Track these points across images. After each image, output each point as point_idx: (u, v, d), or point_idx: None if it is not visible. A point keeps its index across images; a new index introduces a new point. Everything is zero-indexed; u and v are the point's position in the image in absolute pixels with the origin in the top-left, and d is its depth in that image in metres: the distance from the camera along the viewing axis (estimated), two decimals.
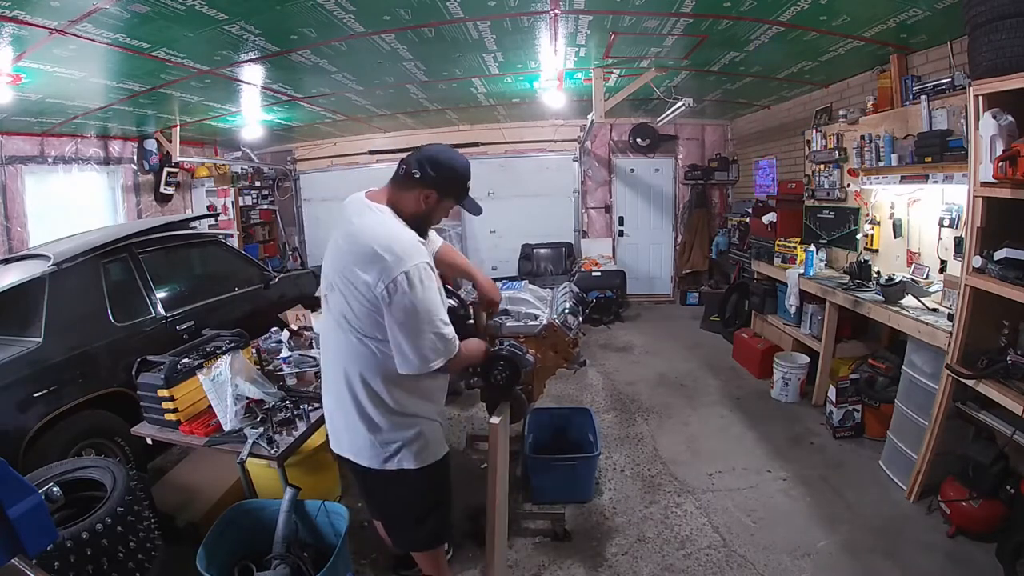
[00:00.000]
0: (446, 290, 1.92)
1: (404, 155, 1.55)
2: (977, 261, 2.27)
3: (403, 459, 1.60)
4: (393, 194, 1.54)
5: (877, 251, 3.76)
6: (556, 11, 2.98)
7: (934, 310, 2.86)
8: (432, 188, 1.51)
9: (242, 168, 7.23)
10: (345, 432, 1.63)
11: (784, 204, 5.03)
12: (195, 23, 2.78)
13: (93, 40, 2.87)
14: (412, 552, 1.91)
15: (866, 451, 3.15)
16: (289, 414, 2.23)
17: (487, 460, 2.00)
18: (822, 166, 4.28)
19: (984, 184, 2.22)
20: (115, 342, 2.84)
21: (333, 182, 7.70)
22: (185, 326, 3.20)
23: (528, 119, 6.80)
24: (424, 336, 1.44)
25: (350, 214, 1.54)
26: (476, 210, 1.63)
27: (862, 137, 3.64)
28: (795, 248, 4.27)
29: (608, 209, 7.31)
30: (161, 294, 3.20)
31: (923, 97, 3.07)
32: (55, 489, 1.53)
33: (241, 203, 7.17)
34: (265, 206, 7.72)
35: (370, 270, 1.40)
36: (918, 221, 3.37)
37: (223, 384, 2.17)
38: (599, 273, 6.43)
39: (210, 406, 2.19)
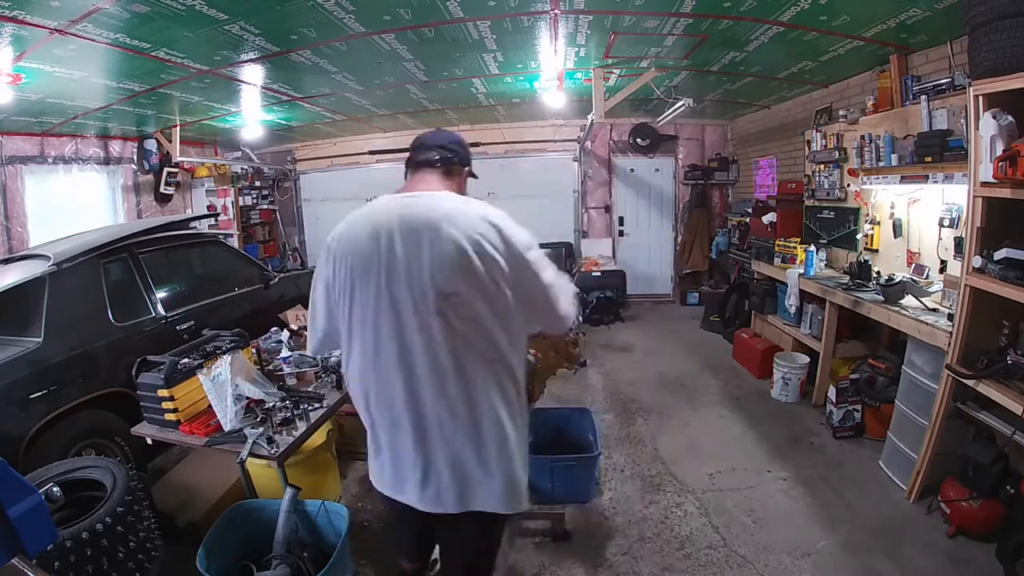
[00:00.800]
0: None
1: (420, 152, 1.41)
2: (977, 261, 2.27)
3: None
4: (444, 183, 1.39)
5: (877, 251, 3.76)
6: (556, 11, 2.98)
7: (934, 310, 2.86)
8: (467, 164, 1.48)
9: (242, 168, 7.23)
10: (479, 479, 1.26)
11: (784, 204, 5.03)
12: (195, 23, 2.78)
13: (93, 40, 2.87)
14: None
15: (866, 451, 3.15)
16: (289, 414, 2.23)
17: None
18: (822, 166, 4.28)
19: (984, 184, 2.22)
20: (115, 342, 2.84)
21: (333, 182, 7.71)
22: (185, 326, 3.20)
23: (528, 119, 6.80)
24: (563, 283, 1.34)
25: (431, 209, 1.24)
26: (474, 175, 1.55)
27: (862, 137, 3.64)
28: (795, 248, 4.27)
29: (608, 209, 7.31)
30: (161, 294, 3.20)
31: (923, 97, 3.07)
32: (55, 489, 1.53)
33: (241, 203, 7.18)
34: (265, 206, 7.73)
35: (494, 242, 1.19)
36: (918, 221, 3.37)
37: (223, 384, 2.17)
38: (599, 273, 6.43)
39: (210, 406, 2.19)
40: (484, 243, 1.18)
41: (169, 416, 2.21)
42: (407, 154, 1.45)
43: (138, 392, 2.27)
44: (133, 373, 2.30)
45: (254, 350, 2.72)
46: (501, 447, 1.26)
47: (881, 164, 3.45)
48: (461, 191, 1.43)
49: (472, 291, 1.18)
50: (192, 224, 4.20)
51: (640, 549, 2.42)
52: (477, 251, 1.17)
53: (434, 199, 1.28)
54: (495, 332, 1.22)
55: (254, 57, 3.45)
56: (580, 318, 2.45)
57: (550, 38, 3.42)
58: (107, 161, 5.97)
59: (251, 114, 5.21)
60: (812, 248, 4.05)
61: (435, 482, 1.27)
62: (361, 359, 1.28)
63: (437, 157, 1.39)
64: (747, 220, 5.76)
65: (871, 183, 3.64)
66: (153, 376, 2.22)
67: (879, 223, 3.72)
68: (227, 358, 2.27)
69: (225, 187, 7.02)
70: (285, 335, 2.93)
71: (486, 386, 1.23)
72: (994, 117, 2.12)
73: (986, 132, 2.14)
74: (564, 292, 1.34)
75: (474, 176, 1.53)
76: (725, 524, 2.56)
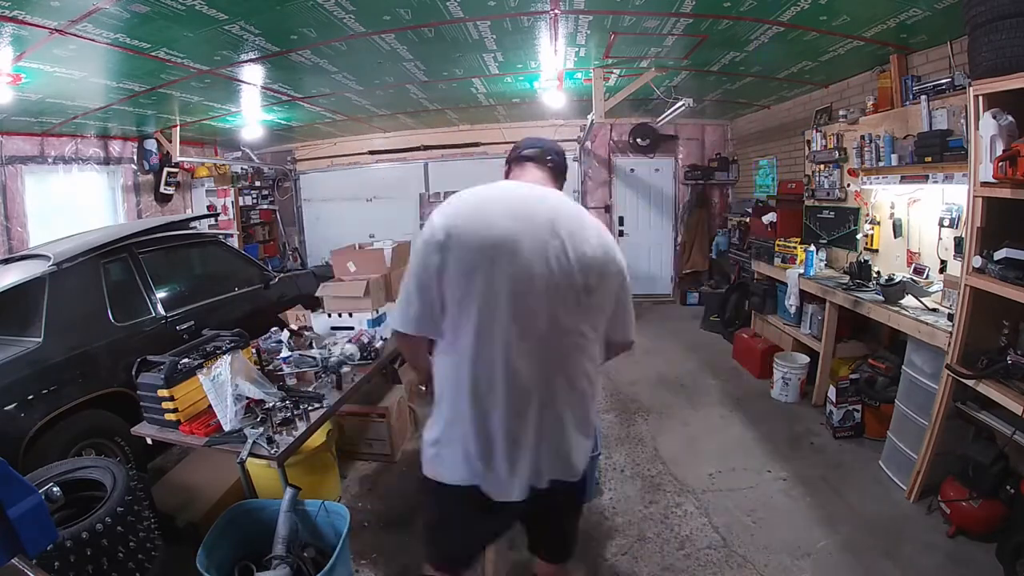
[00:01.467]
0: None
1: (532, 150, 1.49)
2: (977, 261, 2.27)
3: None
4: (554, 184, 1.49)
5: (877, 251, 3.76)
6: (556, 11, 2.98)
7: (934, 310, 2.86)
8: (564, 172, 1.55)
9: (242, 168, 7.23)
10: (574, 451, 1.35)
11: (784, 204, 5.04)
12: (195, 23, 2.78)
13: (93, 40, 2.87)
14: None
15: (866, 451, 3.15)
16: (289, 414, 2.23)
17: None
18: (822, 166, 4.28)
19: (984, 184, 2.22)
20: (115, 342, 2.84)
21: (333, 182, 7.71)
22: (185, 326, 3.20)
23: (528, 119, 6.80)
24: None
25: (566, 206, 1.33)
26: None
27: (862, 137, 3.64)
28: (795, 248, 4.27)
29: (608, 209, 7.30)
30: (161, 294, 3.20)
31: (923, 97, 3.07)
32: (55, 489, 1.54)
33: (241, 203, 7.17)
34: (265, 206, 7.72)
35: (614, 251, 1.33)
36: (918, 221, 3.37)
37: (223, 384, 2.17)
38: None
39: (210, 406, 2.19)
40: (616, 252, 1.33)
41: (169, 416, 2.21)
42: (512, 150, 1.55)
43: (138, 392, 2.27)
44: (133, 373, 2.30)
45: (254, 350, 2.73)
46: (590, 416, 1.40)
47: (881, 164, 3.45)
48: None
49: (603, 290, 1.30)
50: (192, 224, 4.20)
51: (640, 549, 2.42)
52: (614, 256, 1.32)
53: (560, 196, 1.38)
54: (599, 325, 1.34)
55: (254, 57, 3.45)
56: None
57: (550, 38, 3.42)
58: (107, 161, 5.97)
59: (251, 114, 5.21)
60: (812, 248, 4.05)
61: (546, 458, 1.32)
62: (477, 340, 1.24)
63: (551, 159, 1.49)
64: (747, 220, 5.76)
65: (871, 183, 3.64)
66: (153, 376, 2.22)
67: (879, 223, 3.72)
68: (227, 358, 2.28)
69: (225, 187, 7.02)
70: (285, 335, 2.93)
71: (586, 368, 1.33)
72: (994, 117, 2.12)
73: (986, 132, 2.14)
74: (633, 318, 1.46)
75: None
76: (725, 524, 2.55)
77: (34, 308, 2.63)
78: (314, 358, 2.68)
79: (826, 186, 4.22)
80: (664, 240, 7.35)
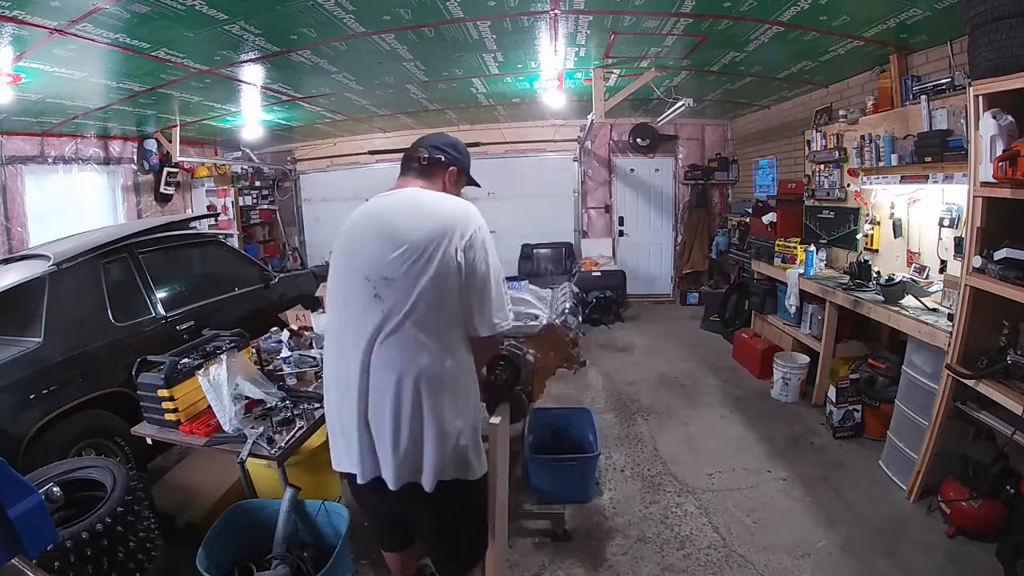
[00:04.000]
0: None
1: (408, 152, 1.59)
2: (977, 261, 2.27)
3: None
4: (423, 182, 1.55)
5: (877, 251, 3.76)
6: (556, 11, 2.98)
7: (934, 310, 2.86)
8: (455, 165, 1.60)
9: (242, 168, 7.23)
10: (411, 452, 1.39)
11: (784, 204, 5.03)
12: (195, 23, 2.78)
13: (93, 40, 2.87)
14: None
15: (866, 451, 3.15)
16: (289, 414, 2.22)
17: (487, 460, 2.00)
18: (822, 166, 4.28)
19: (984, 184, 2.22)
20: (115, 342, 2.84)
21: (333, 182, 7.71)
22: (185, 326, 3.20)
23: (528, 119, 6.80)
24: (500, 293, 1.45)
25: (394, 209, 1.45)
26: (476, 183, 1.74)
27: (862, 137, 3.64)
28: (795, 248, 4.27)
29: (608, 209, 7.31)
30: (161, 294, 3.20)
31: (923, 97, 3.06)
32: (55, 489, 1.53)
33: (241, 203, 7.17)
34: (265, 206, 7.72)
35: (448, 234, 1.36)
36: (918, 221, 3.37)
37: (221, 385, 2.17)
38: (599, 273, 6.43)
39: (210, 406, 2.19)
40: (448, 239, 1.36)
41: (169, 416, 2.20)
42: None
43: (138, 392, 2.27)
44: (133, 373, 2.30)
45: (254, 350, 2.72)
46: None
47: (881, 164, 3.45)
48: (446, 189, 1.58)
49: (429, 277, 1.34)
50: (192, 224, 4.20)
51: (640, 549, 2.42)
52: (440, 245, 1.35)
53: (403, 196, 1.49)
54: (445, 311, 1.39)
55: (254, 57, 3.45)
56: (580, 318, 2.45)
57: (550, 38, 3.42)
58: (107, 161, 5.96)
59: (251, 114, 5.21)
60: (812, 248, 4.06)
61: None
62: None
63: (424, 158, 1.56)
64: (747, 220, 5.75)
65: (871, 183, 3.64)
66: (153, 376, 2.22)
67: (879, 223, 3.72)
68: (224, 358, 2.27)
69: (225, 187, 7.02)
70: (285, 335, 2.93)
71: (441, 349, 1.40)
72: (994, 117, 2.12)
73: (986, 132, 2.14)
74: (500, 304, 1.45)
75: (472, 180, 1.67)
76: (725, 524, 2.56)
77: (34, 308, 2.63)
78: (314, 358, 2.68)
79: (826, 186, 4.22)
80: (664, 240, 7.35)
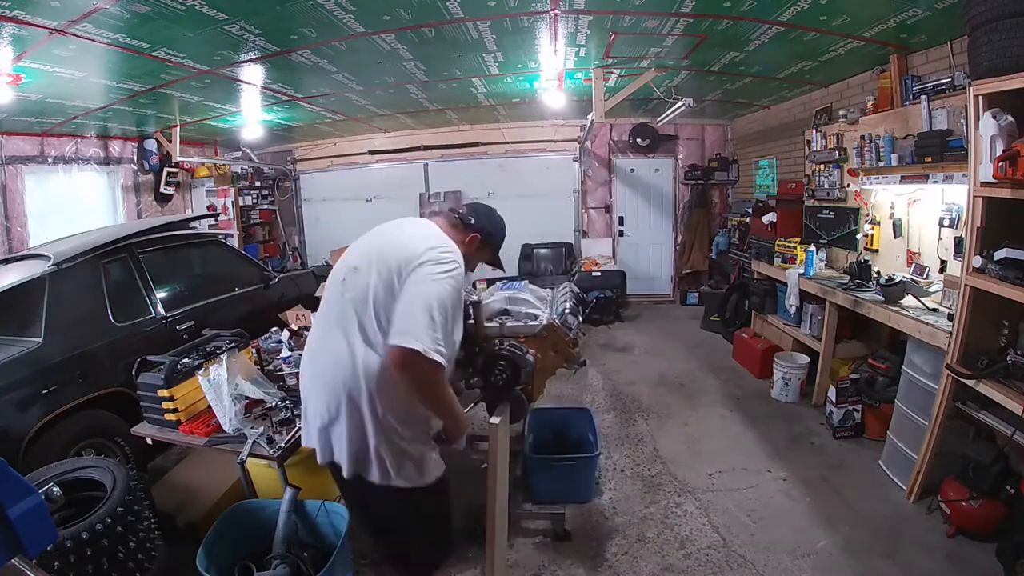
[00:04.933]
0: None
1: (455, 203, 1.72)
2: (977, 261, 2.27)
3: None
4: (447, 228, 1.70)
5: (877, 251, 3.76)
6: (556, 11, 2.98)
7: (934, 310, 2.86)
8: (478, 233, 1.73)
9: (242, 168, 7.23)
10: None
11: (784, 204, 5.03)
12: (195, 23, 2.78)
13: (93, 40, 2.87)
14: None
15: (866, 451, 3.15)
16: (289, 414, 2.23)
17: (487, 460, 2.00)
18: (822, 166, 4.28)
19: (984, 184, 2.22)
20: (115, 342, 2.84)
21: (333, 182, 7.71)
22: (185, 326, 3.20)
23: (528, 119, 6.80)
24: (428, 320, 1.40)
25: (410, 223, 1.70)
26: (500, 267, 1.88)
27: (862, 137, 3.64)
28: (795, 248, 4.27)
29: (608, 209, 7.30)
30: (161, 294, 3.20)
31: (923, 97, 3.07)
32: (55, 489, 1.53)
33: (241, 203, 7.16)
34: (265, 206, 7.71)
35: (412, 253, 1.49)
36: (918, 221, 3.37)
37: (221, 385, 2.17)
38: (599, 273, 6.43)
39: (210, 406, 2.19)
40: (400, 263, 1.50)
41: (169, 416, 2.21)
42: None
43: (138, 392, 2.27)
44: (133, 373, 2.30)
45: (254, 350, 2.72)
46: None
47: (881, 164, 3.45)
48: (464, 249, 1.67)
49: (373, 289, 1.49)
50: (192, 224, 4.20)
51: (640, 549, 2.42)
52: (394, 266, 1.49)
53: (406, 221, 1.73)
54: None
55: (254, 57, 3.45)
56: (580, 318, 2.45)
57: (550, 38, 3.41)
58: (107, 161, 5.96)
59: (251, 114, 5.21)
60: (812, 248, 4.06)
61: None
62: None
63: (461, 214, 1.74)
64: (747, 220, 5.75)
65: (871, 183, 3.64)
66: (153, 376, 2.22)
67: (879, 223, 3.72)
68: (224, 358, 2.27)
69: (225, 187, 7.01)
70: (285, 335, 2.93)
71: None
72: (994, 117, 2.12)
73: (986, 132, 2.14)
74: (423, 326, 1.41)
75: (495, 258, 1.84)
76: (725, 524, 2.56)
77: (34, 308, 2.63)
78: None
79: (826, 186, 4.22)
80: (664, 240, 7.35)
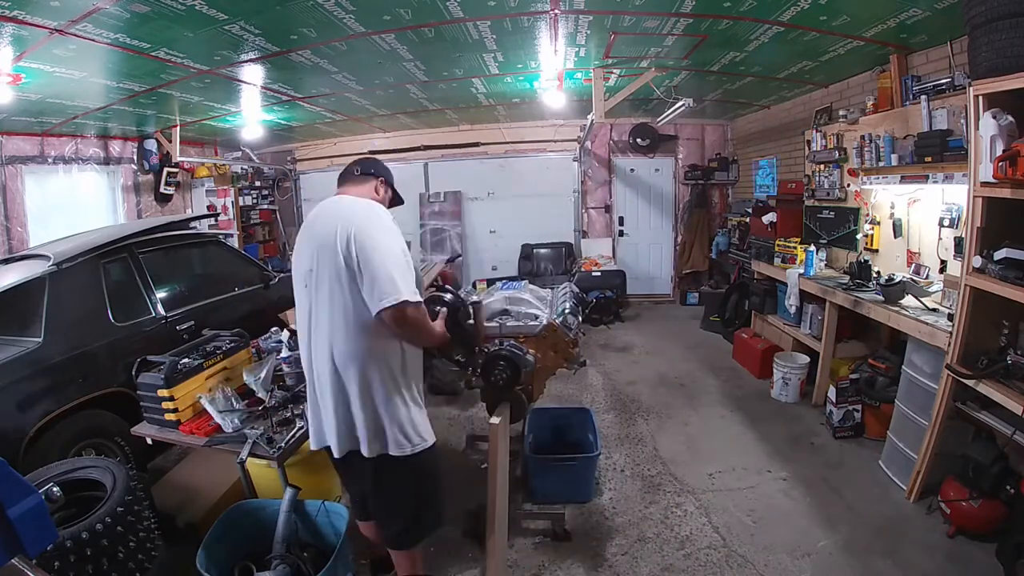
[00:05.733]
0: (446, 288, 1.96)
1: (345, 168, 1.95)
2: (977, 261, 2.27)
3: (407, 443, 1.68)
4: (356, 191, 1.85)
5: (877, 251, 3.76)
6: (556, 11, 2.98)
7: (934, 310, 2.86)
8: (383, 177, 1.91)
9: (242, 168, 7.23)
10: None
11: (784, 204, 5.03)
12: (195, 23, 2.78)
13: (93, 40, 2.87)
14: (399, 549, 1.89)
15: (866, 451, 3.15)
16: (289, 414, 2.23)
17: (487, 460, 2.00)
18: (822, 166, 4.28)
19: (984, 184, 2.22)
20: (115, 342, 2.83)
21: (333, 182, 7.67)
22: (185, 326, 3.20)
23: (528, 119, 6.80)
24: (387, 272, 1.55)
25: (325, 210, 1.79)
26: (401, 200, 2.02)
27: (862, 137, 3.64)
28: (795, 248, 4.27)
29: (608, 209, 7.30)
30: (161, 294, 3.20)
31: (923, 97, 3.07)
32: (55, 489, 1.53)
33: (241, 203, 7.16)
34: (265, 206, 7.72)
35: (344, 230, 1.59)
36: (918, 221, 3.37)
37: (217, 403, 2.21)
38: (599, 273, 6.43)
39: None
40: (337, 236, 1.59)
41: (169, 416, 2.21)
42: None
43: (138, 392, 2.27)
44: (133, 373, 2.30)
45: (254, 350, 2.72)
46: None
47: (881, 164, 3.45)
48: (377, 194, 1.86)
49: (333, 268, 1.60)
50: (192, 224, 4.20)
51: (640, 549, 2.42)
52: (336, 241, 1.58)
53: (329, 203, 1.80)
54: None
55: (254, 57, 3.45)
56: (580, 318, 2.46)
57: (550, 38, 3.41)
58: (107, 161, 5.96)
59: (251, 114, 5.21)
60: (812, 248, 4.06)
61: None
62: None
63: (356, 171, 1.90)
64: (747, 220, 5.75)
65: (871, 183, 3.64)
66: (153, 376, 2.22)
67: (879, 223, 3.72)
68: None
69: (225, 187, 7.01)
70: (285, 335, 2.93)
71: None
72: (994, 117, 2.12)
73: (986, 132, 2.14)
74: (387, 280, 1.55)
75: (395, 193, 1.97)
76: (725, 524, 2.56)
77: (34, 308, 2.63)
78: None
79: (826, 186, 4.22)
80: (664, 240, 7.35)
